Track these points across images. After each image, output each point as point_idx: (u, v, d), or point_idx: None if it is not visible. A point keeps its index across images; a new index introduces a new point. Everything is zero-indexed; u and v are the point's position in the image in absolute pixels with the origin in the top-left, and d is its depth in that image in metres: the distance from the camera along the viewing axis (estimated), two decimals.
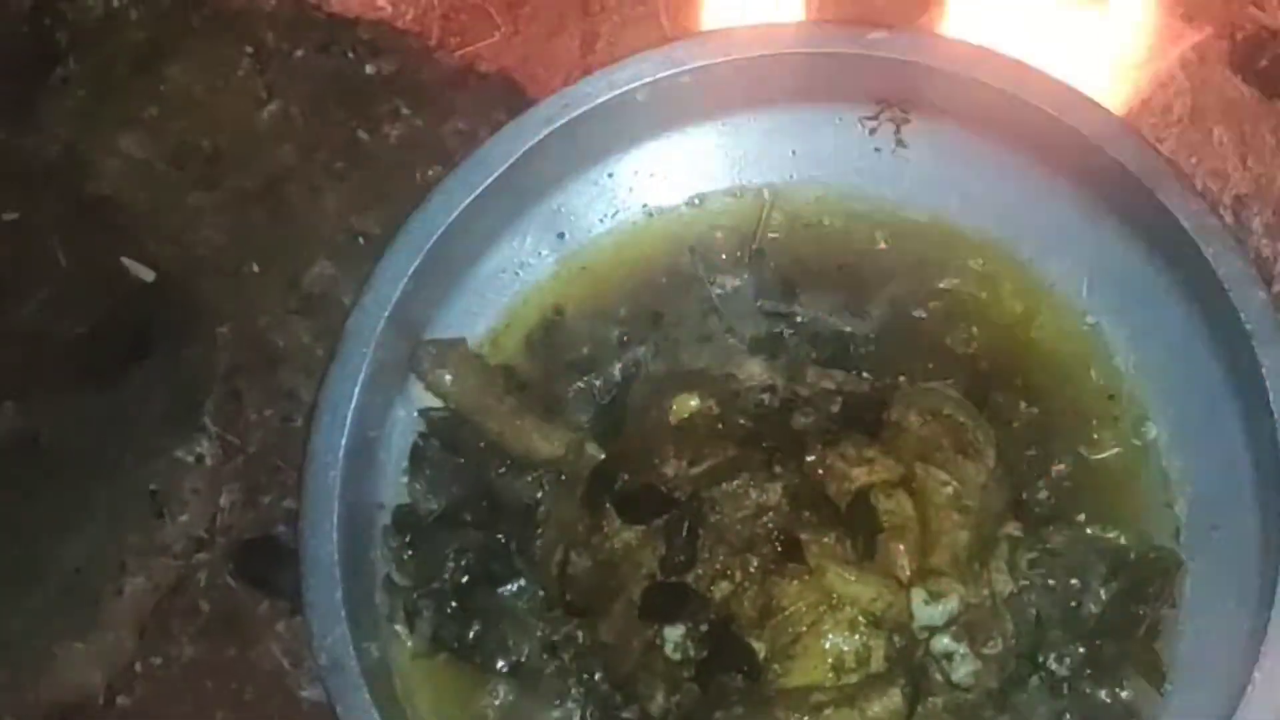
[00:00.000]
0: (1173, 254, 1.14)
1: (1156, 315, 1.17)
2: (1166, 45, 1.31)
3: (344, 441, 1.13)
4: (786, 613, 1.05)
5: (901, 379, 1.17)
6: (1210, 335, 1.14)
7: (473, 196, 1.17)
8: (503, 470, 1.18)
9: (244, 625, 1.36)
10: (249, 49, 1.44)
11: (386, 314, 1.15)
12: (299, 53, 1.44)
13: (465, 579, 1.16)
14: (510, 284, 1.25)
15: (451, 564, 1.16)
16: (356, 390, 1.14)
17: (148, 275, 1.44)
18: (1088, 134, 1.14)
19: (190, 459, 1.39)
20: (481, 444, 1.19)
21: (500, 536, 1.16)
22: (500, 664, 1.14)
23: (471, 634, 1.14)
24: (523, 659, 1.13)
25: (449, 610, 1.15)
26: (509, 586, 1.15)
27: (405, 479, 1.20)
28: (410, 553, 1.17)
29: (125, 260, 1.44)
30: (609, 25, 1.54)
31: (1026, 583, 1.12)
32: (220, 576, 1.37)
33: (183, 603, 1.36)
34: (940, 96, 1.20)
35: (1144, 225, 1.16)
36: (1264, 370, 1.07)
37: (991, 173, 1.22)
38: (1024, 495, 1.14)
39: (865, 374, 1.18)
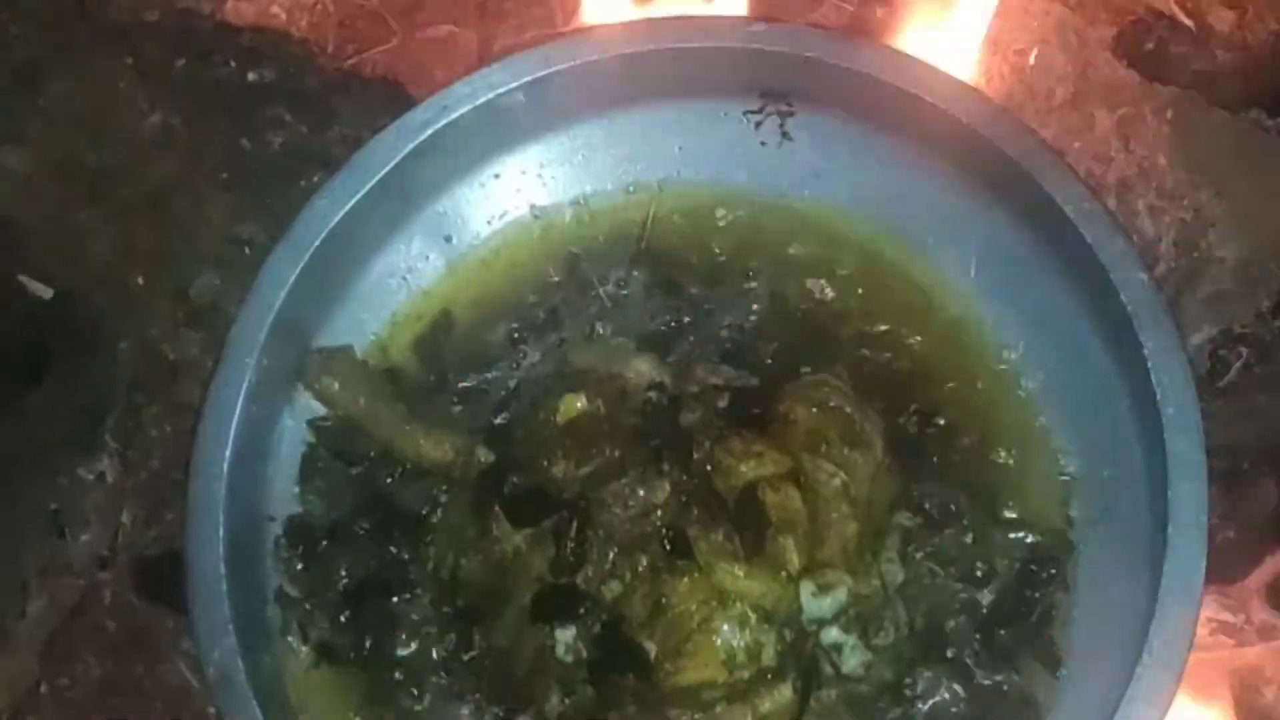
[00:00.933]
0: (1056, 238, 1.14)
1: (1044, 300, 1.17)
2: (1048, 30, 1.31)
3: (228, 453, 1.12)
4: (677, 611, 1.05)
5: (789, 372, 1.17)
6: (1095, 318, 1.14)
7: (354, 201, 1.16)
8: (394, 479, 1.18)
9: (150, 642, 1.35)
10: (130, 60, 1.43)
11: (270, 322, 1.14)
12: (180, 63, 1.43)
13: (358, 589, 1.15)
14: (398, 289, 1.24)
15: (344, 574, 1.16)
16: (240, 401, 1.13)
17: (46, 293, 1.42)
18: (968, 121, 1.14)
19: (91, 477, 1.37)
20: (372, 453, 1.18)
21: (393, 546, 1.16)
22: (395, 673, 1.13)
23: (365, 644, 1.14)
24: (417, 667, 1.13)
25: (342, 621, 1.15)
26: (402, 595, 1.14)
27: (297, 490, 1.19)
28: (302, 564, 1.16)
29: (23, 278, 1.42)
30: (505, 28, 1.53)
31: (919, 572, 1.12)
32: (124, 594, 1.36)
33: (87, 622, 1.35)
34: (823, 88, 1.20)
35: (1027, 210, 1.16)
36: (1146, 352, 1.08)
37: (877, 162, 1.22)
38: (914, 484, 1.14)
39: (753, 369, 1.17)
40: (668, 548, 1.06)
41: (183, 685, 1.33)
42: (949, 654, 1.11)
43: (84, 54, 1.44)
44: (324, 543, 1.17)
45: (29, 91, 1.43)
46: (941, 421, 1.17)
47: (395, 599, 1.14)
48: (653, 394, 1.15)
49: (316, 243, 1.15)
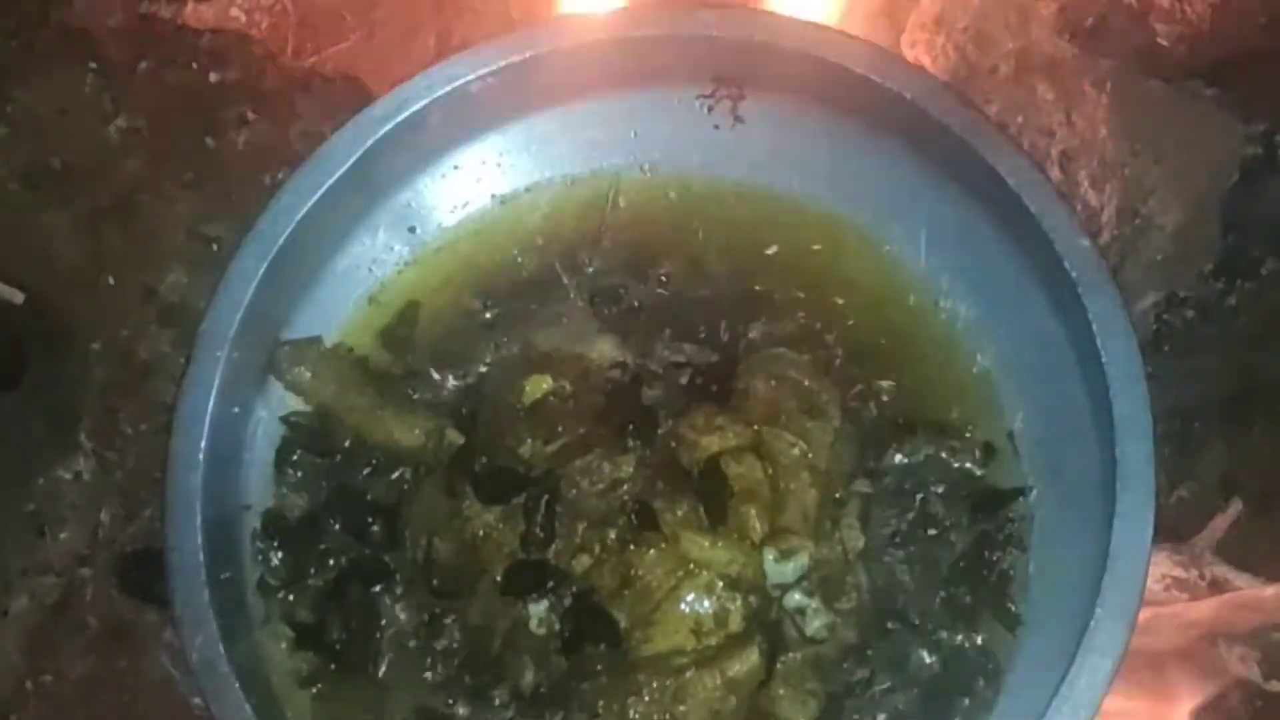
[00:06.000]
0: (1002, 210, 1.16)
1: (992, 270, 1.20)
2: (990, 7, 1.33)
3: (203, 444, 1.14)
4: (645, 581, 1.08)
5: (747, 346, 1.20)
6: (1042, 286, 1.17)
7: (318, 195, 1.18)
8: (368, 470, 1.20)
9: (132, 637, 1.36)
10: (93, 65, 1.44)
11: (239, 316, 1.16)
12: (143, 65, 1.44)
13: (336, 576, 1.17)
14: (365, 280, 1.26)
15: (321, 563, 1.18)
16: (213, 393, 1.15)
17: (17, 298, 1.43)
18: (913, 99, 1.16)
19: (69, 476, 1.39)
20: (346, 443, 1.20)
21: (368, 536, 1.18)
22: (375, 657, 1.15)
23: (346, 629, 1.16)
24: (396, 650, 1.15)
25: (323, 609, 1.17)
26: (380, 584, 1.16)
27: (272, 480, 1.21)
28: (281, 555, 1.18)
29: None
30: (462, 24, 1.56)
31: (879, 536, 1.15)
32: (105, 590, 1.37)
33: (69, 619, 1.37)
34: (772, 71, 1.22)
35: (973, 184, 1.18)
36: (1091, 316, 1.10)
37: (827, 142, 1.24)
38: (871, 453, 1.17)
39: (712, 345, 1.20)
40: (635, 520, 1.08)
41: (165, 678, 1.35)
42: (910, 616, 1.14)
43: (46, 60, 1.45)
44: (301, 533, 1.19)
45: None
46: (894, 390, 1.20)
47: (373, 587, 1.16)
48: (616, 373, 1.18)
49: (283, 237, 1.17)
